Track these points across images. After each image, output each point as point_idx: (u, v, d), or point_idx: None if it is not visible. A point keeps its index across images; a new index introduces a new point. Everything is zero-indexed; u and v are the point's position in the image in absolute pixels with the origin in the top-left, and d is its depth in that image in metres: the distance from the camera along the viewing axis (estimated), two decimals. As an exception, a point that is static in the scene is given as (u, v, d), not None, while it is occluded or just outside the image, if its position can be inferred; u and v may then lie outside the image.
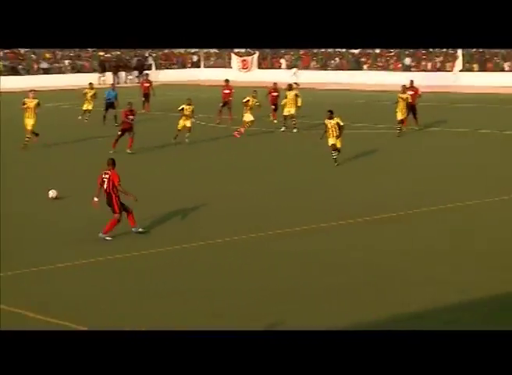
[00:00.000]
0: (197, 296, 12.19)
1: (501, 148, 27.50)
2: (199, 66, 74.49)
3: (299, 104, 32.37)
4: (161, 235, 15.95)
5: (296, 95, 32.31)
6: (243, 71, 70.19)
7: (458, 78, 57.78)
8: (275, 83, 36.04)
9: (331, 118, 23.79)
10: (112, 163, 16.08)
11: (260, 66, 70.86)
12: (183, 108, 28.77)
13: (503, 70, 59.46)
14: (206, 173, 23.08)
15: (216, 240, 15.36)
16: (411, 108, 30.86)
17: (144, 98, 40.58)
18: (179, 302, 11.92)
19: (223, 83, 36.34)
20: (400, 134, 29.74)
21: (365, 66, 67.76)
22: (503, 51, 60.14)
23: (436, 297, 11.83)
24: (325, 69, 68.81)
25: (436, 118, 34.61)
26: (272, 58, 73.10)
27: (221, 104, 35.37)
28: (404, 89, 30.83)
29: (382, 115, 34.51)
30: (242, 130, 30.78)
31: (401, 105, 30.03)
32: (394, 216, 17.06)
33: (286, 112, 32.29)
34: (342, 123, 23.59)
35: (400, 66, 65.00)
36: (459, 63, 58.42)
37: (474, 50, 61.97)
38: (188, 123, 28.74)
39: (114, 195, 15.77)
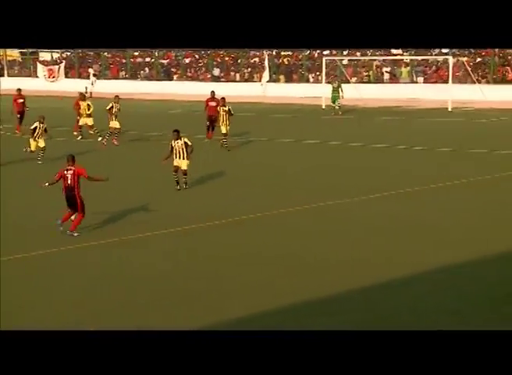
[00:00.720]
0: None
1: (310, 156, 28.57)
2: (2, 75, 72.45)
3: (88, 111, 32.57)
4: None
5: (89, 105, 32.81)
6: (49, 80, 68.91)
7: (266, 89, 59.53)
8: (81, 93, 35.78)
9: (178, 138, 21.30)
10: (73, 159, 16.57)
11: (67, 76, 69.82)
12: None
13: (308, 81, 61.70)
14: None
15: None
16: (213, 119, 31.14)
17: None
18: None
19: (15, 93, 36.04)
20: (222, 145, 29.86)
21: (175, 77, 68.32)
22: (307, 62, 62.44)
23: (262, 301, 12.19)
24: (135, 79, 68.86)
25: (249, 128, 35.44)
26: (79, 68, 72.24)
27: (17, 115, 34.91)
28: (223, 101, 30.64)
29: (196, 125, 34.97)
30: (115, 141, 30.86)
31: (221, 117, 29.94)
32: (238, 220, 17.51)
33: (81, 122, 32.80)
34: (190, 143, 21.38)
35: (209, 76, 66.02)
36: (266, 74, 60.14)
37: (280, 61, 64.01)
38: None
39: (77, 191, 16.27)
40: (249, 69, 65.42)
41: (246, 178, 23.51)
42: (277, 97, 56.77)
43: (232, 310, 11.78)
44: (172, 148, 21.28)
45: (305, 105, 51.68)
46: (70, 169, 16.48)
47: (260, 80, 61.15)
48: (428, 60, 58.24)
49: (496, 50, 55.94)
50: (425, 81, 57.60)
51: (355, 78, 59.22)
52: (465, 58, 54.68)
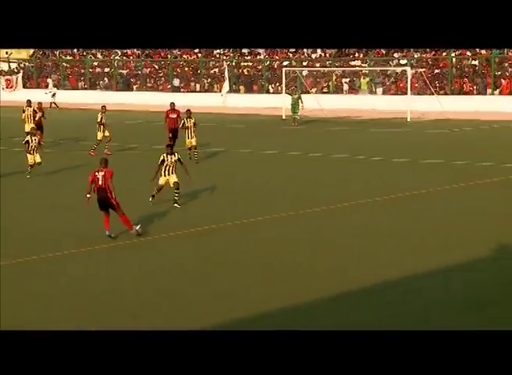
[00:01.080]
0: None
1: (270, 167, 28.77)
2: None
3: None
4: None
5: (35, 111, 33.05)
6: (7, 91, 68.50)
7: (226, 99, 59.76)
8: (39, 103, 35.67)
9: (172, 153, 20.40)
10: (105, 162, 17.17)
11: (25, 86, 69.46)
12: None
13: (268, 92, 62.00)
14: None
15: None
16: (174, 131, 31.17)
17: None
18: None
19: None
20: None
21: (135, 87, 68.25)
22: (268, 73, 62.75)
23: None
24: (94, 89, 68.65)
25: (210, 138, 35.54)
26: (37, 78, 71.83)
27: None
28: (189, 113, 30.45)
29: (155, 135, 35.02)
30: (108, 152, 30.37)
31: (189, 130, 29.78)
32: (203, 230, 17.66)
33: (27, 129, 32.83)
34: (183, 161, 20.77)
35: (169, 86, 66.05)
36: (226, 85, 60.38)
37: (240, 72, 64.23)
38: None
39: (109, 191, 16.70)
40: (209, 80, 65.57)
41: (212, 188, 23.60)
42: (237, 107, 57.01)
43: (220, 313, 11.89)
44: (163, 161, 20.22)
45: (265, 115, 51.97)
46: (102, 171, 16.96)
47: (220, 91, 61.37)
48: (386, 71, 58.86)
49: (454, 61, 56.73)
50: (384, 92, 58.21)
51: (315, 89, 59.64)
52: (423, 70, 55.33)
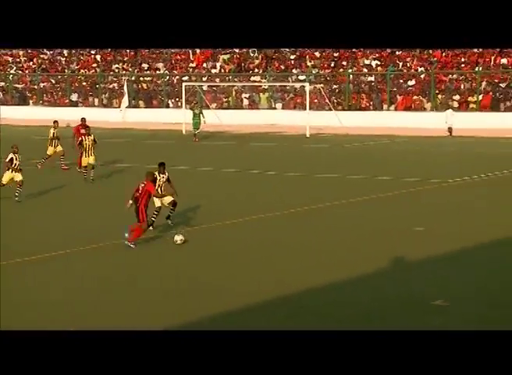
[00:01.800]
0: None
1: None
2: None
3: None
4: None
5: None
6: None
7: (125, 114, 59.63)
8: None
9: (163, 172, 19.49)
10: (152, 175, 18.42)
11: None
12: None
13: (168, 107, 62.14)
14: None
15: None
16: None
17: None
18: None
19: None
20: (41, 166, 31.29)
21: (31, 102, 67.43)
22: (167, 88, 62.88)
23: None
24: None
25: (110, 155, 35.46)
26: None
27: None
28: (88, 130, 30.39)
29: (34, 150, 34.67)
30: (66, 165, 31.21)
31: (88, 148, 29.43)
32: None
33: None
34: (171, 180, 19.59)
35: (67, 101, 65.48)
36: (125, 100, 60.24)
37: (139, 86, 64.21)
38: None
39: (142, 204, 17.60)
40: (107, 95, 65.30)
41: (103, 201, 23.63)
42: (137, 122, 56.97)
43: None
44: (155, 181, 19.03)
45: (165, 130, 52.11)
46: (143, 183, 17.91)
47: (119, 106, 61.18)
48: (286, 87, 59.82)
49: (351, 77, 58.09)
50: (284, 107, 59.14)
51: (215, 104, 60.14)
52: (321, 86, 56.51)
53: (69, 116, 34.38)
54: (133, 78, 64.96)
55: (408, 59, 58.86)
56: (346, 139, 45.29)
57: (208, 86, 61.07)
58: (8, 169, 24.09)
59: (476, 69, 54.48)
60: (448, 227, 19.85)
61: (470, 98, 53.91)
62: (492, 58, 55.68)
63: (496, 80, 54.12)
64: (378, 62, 59.43)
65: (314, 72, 60.05)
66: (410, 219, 20.83)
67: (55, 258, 16.93)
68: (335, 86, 58.72)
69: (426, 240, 18.44)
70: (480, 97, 52.91)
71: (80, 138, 29.13)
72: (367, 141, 44.31)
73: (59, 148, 31.73)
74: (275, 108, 59.31)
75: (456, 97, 54.28)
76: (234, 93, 61.74)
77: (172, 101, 62.54)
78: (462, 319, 12.33)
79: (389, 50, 59.01)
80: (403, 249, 17.35)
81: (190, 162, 33.79)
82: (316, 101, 55.43)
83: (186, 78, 62.30)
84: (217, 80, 62.93)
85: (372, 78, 58.18)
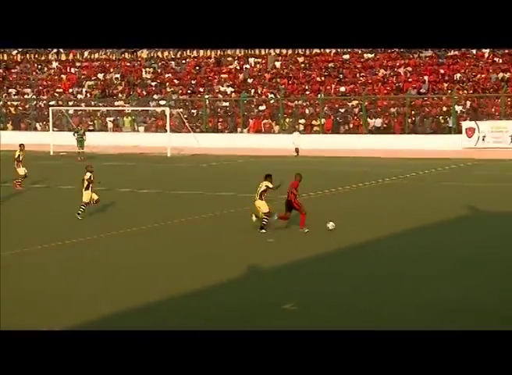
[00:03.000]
0: None
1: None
2: None
3: None
4: None
5: None
6: None
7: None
8: None
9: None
10: (299, 175, 21.01)
11: None
12: None
13: (35, 130, 60.84)
14: None
15: None
16: None
17: None
18: None
19: None
20: None
21: None
22: (34, 112, 61.59)
23: None
24: None
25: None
26: None
27: None
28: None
29: None
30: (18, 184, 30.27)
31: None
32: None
33: None
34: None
35: None
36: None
37: (7, 110, 62.55)
38: None
39: (293, 197, 20.51)
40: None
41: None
42: (5, 144, 55.33)
43: None
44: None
45: (34, 151, 50.89)
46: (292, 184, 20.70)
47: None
48: (148, 111, 59.69)
49: (207, 102, 58.58)
50: (146, 130, 58.99)
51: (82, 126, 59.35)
52: (180, 110, 56.75)
53: None
54: (0, 103, 63.25)
55: (259, 86, 59.99)
56: (204, 158, 45.59)
57: (74, 110, 60.20)
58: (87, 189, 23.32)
59: (319, 96, 56.09)
60: (295, 239, 20.25)
61: (314, 122, 55.46)
62: (333, 86, 57.48)
63: (336, 106, 55.90)
64: (232, 89, 60.25)
65: (174, 97, 60.20)
66: (261, 234, 21.12)
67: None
68: (193, 110, 59.07)
69: (277, 250, 18.80)
70: (323, 121, 54.46)
71: None
72: (222, 160, 44.74)
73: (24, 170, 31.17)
74: (138, 131, 59.06)
75: (302, 120, 55.68)
76: (99, 116, 61.11)
77: (40, 124, 61.24)
78: (308, 320, 12.68)
79: (241, 78, 59.86)
80: (256, 259, 17.61)
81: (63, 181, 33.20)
82: (176, 123, 55.60)
83: (53, 103, 61.20)
84: (83, 104, 62.11)
85: (227, 103, 58.90)
